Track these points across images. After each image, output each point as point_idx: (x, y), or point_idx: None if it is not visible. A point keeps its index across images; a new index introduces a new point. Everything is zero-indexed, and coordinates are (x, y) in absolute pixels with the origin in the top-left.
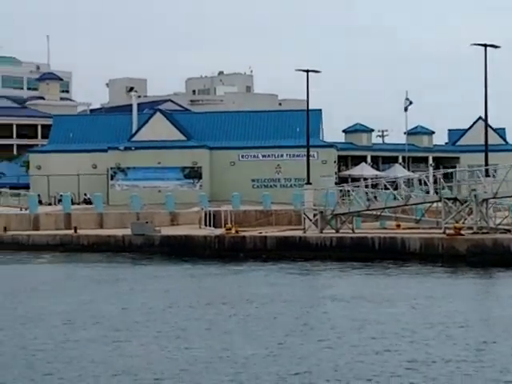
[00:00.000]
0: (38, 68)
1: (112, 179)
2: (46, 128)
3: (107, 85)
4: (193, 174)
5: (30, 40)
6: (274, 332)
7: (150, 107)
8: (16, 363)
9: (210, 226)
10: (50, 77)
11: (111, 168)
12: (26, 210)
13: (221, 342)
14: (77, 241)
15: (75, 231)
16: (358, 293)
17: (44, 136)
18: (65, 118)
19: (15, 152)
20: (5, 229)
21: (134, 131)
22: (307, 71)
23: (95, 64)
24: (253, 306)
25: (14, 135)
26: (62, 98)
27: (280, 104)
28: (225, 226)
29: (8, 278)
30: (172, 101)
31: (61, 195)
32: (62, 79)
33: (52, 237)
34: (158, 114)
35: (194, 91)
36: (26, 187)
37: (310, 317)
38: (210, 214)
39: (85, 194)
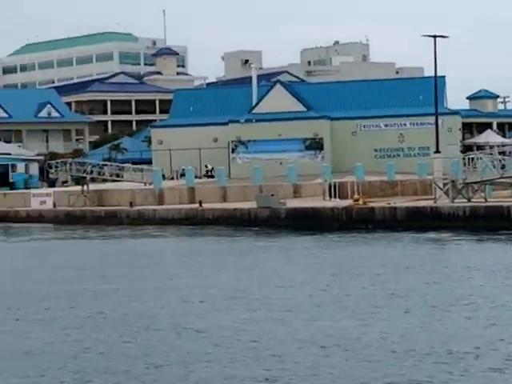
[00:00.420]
0: (154, 43)
1: (233, 152)
2: (164, 103)
3: (222, 58)
4: (314, 145)
5: (145, 15)
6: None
7: (266, 79)
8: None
9: (334, 197)
10: (166, 52)
11: (232, 141)
12: (150, 184)
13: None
14: (202, 214)
15: (200, 205)
16: (501, 262)
17: (162, 111)
18: (185, 92)
19: (134, 127)
20: (131, 204)
21: (253, 103)
22: (434, 36)
23: (210, 38)
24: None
25: (133, 111)
26: (178, 73)
27: (397, 72)
28: (352, 198)
29: (147, 253)
30: (288, 72)
31: (183, 169)
32: (178, 54)
33: (177, 211)
34: (278, 85)
35: (309, 62)
36: (149, 162)
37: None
38: (334, 186)
39: (206, 166)
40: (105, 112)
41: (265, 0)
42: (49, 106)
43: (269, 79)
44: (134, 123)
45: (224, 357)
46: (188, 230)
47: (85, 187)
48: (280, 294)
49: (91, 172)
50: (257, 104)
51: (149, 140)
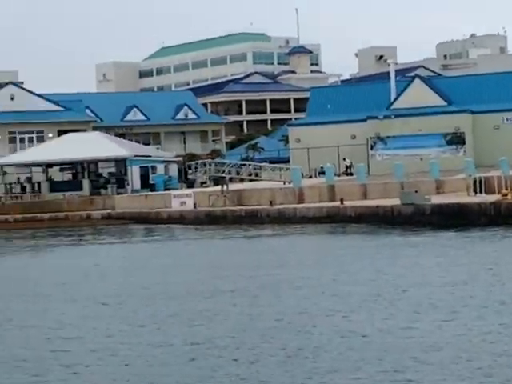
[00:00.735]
0: (287, 42)
1: (372, 149)
2: (298, 101)
3: (356, 55)
4: (455, 139)
5: (278, 15)
6: None
7: (402, 74)
8: None
9: (479, 192)
10: (300, 50)
11: (371, 138)
12: (288, 183)
13: None
14: (344, 212)
15: (341, 203)
16: None
17: (297, 110)
18: (322, 89)
19: (269, 127)
20: (271, 203)
21: (392, 99)
22: None
23: (342, 35)
24: None
25: (268, 110)
26: (311, 71)
27: None
28: (499, 192)
29: (300, 251)
30: (424, 67)
31: (321, 167)
32: (311, 52)
33: (318, 209)
34: (417, 79)
35: (445, 56)
36: (286, 161)
37: None
38: (480, 181)
39: (344, 159)
40: (240, 112)
41: None
42: (186, 107)
43: (404, 74)
44: (269, 122)
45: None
46: (330, 227)
47: (224, 187)
48: (445, 294)
49: (229, 172)
50: (395, 99)
51: (286, 139)
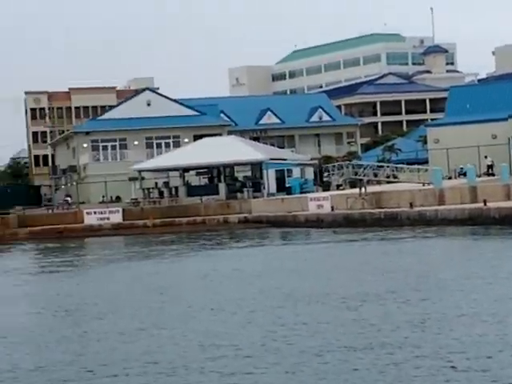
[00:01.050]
0: (421, 42)
1: None
2: (434, 102)
3: (493, 53)
4: None
5: (412, 14)
6: None
7: None
8: None
9: None
10: (435, 50)
11: None
12: (428, 184)
13: None
14: (487, 214)
15: (485, 204)
16: None
17: (432, 110)
18: (461, 88)
19: (405, 128)
20: (411, 204)
21: None
22: None
23: (479, 33)
24: None
25: (403, 111)
26: (447, 71)
27: None
28: None
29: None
30: None
31: (461, 168)
32: (447, 51)
33: (460, 211)
34: None
35: None
36: (424, 162)
37: None
38: None
39: (485, 157)
40: (374, 114)
41: None
42: (320, 110)
43: None
44: (405, 123)
45: None
46: (472, 229)
47: (362, 190)
48: None
49: (367, 174)
50: None
51: (424, 139)
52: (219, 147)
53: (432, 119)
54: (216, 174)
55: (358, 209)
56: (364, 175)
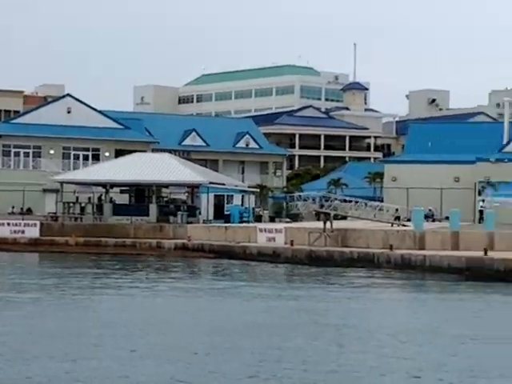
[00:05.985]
0: (336, 78)
1: (480, 194)
2: (354, 139)
3: (407, 96)
4: None
5: (327, 50)
6: None
7: (459, 119)
8: None
9: None
10: (355, 86)
11: (479, 182)
12: (403, 225)
13: None
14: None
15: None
16: None
17: (351, 147)
18: (421, 126)
19: (322, 163)
20: (391, 247)
21: (504, 141)
22: None
23: (391, 75)
24: None
25: (322, 146)
26: (365, 109)
27: None
28: None
29: None
30: (484, 113)
31: (429, 210)
32: (367, 89)
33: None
34: None
35: (497, 104)
36: (371, 199)
37: None
38: None
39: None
40: (292, 146)
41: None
42: (247, 136)
43: (462, 119)
44: (322, 159)
45: None
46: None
47: (327, 225)
48: None
49: (334, 208)
50: (508, 143)
51: (372, 176)
52: (151, 164)
53: (350, 157)
54: (147, 193)
55: (322, 246)
56: (333, 208)
